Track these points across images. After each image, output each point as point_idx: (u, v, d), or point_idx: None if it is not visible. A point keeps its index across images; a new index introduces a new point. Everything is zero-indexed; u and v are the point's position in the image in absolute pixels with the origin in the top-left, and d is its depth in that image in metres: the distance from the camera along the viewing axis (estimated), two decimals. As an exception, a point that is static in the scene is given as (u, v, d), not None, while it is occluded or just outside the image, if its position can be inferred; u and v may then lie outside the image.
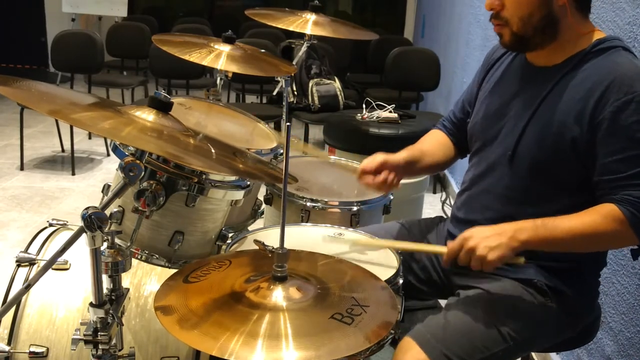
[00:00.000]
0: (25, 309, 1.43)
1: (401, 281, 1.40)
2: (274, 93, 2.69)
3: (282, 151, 1.83)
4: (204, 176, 1.39)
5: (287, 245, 1.07)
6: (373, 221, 1.90)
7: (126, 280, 1.49)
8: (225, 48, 1.97)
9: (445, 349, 1.30)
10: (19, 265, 1.49)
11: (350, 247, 1.53)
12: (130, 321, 1.45)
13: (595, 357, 1.96)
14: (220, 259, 1.23)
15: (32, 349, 1.40)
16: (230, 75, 2.11)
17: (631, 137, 1.27)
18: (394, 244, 1.55)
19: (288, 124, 1.06)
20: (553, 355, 2.25)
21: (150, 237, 1.41)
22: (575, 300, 1.43)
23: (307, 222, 1.81)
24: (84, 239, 1.02)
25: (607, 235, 1.29)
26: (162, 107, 1.14)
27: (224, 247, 1.54)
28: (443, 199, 4.08)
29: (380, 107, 3.41)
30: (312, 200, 1.84)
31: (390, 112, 3.37)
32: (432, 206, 3.95)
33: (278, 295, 1.04)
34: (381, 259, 1.49)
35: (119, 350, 1.17)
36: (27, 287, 1.08)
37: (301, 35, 2.45)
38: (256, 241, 1.14)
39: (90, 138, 5.17)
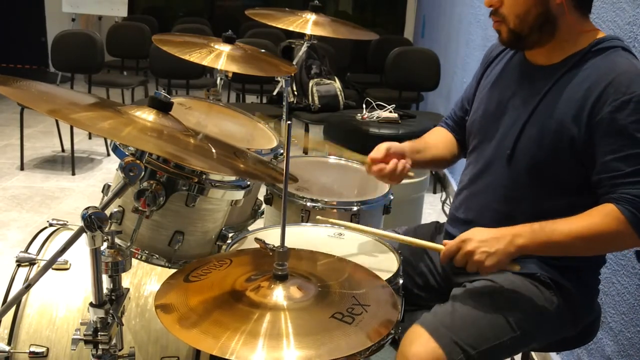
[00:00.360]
0: (25, 308, 1.44)
1: (401, 281, 1.40)
2: (274, 93, 2.69)
3: (282, 151, 1.83)
4: (204, 176, 1.39)
5: (287, 245, 1.07)
6: (373, 221, 1.90)
7: (126, 280, 1.49)
8: (226, 48, 1.97)
9: (455, 337, 1.30)
10: (19, 265, 1.49)
11: (345, 229, 1.56)
12: (130, 321, 1.45)
13: (595, 357, 1.96)
14: (221, 258, 1.22)
15: (32, 349, 1.40)
16: (230, 75, 2.11)
17: (630, 136, 1.27)
18: (392, 235, 1.54)
19: (289, 122, 1.06)
20: (553, 355, 2.25)
21: (151, 237, 1.41)
22: (576, 295, 1.43)
23: (307, 222, 1.81)
24: (84, 239, 1.03)
25: (607, 236, 1.29)
26: (162, 107, 1.14)
27: (224, 247, 1.54)
28: (443, 199, 4.08)
29: (381, 107, 3.41)
30: (312, 200, 1.84)
31: (391, 112, 3.37)
32: (432, 206, 3.95)
33: (279, 294, 1.04)
34: (381, 260, 1.49)
35: (119, 350, 1.17)
36: (27, 287, 1.08)
37: (301, 35, 2.44)
38: (257, 239, 1.15)
39: (90, 138, 5.17)
